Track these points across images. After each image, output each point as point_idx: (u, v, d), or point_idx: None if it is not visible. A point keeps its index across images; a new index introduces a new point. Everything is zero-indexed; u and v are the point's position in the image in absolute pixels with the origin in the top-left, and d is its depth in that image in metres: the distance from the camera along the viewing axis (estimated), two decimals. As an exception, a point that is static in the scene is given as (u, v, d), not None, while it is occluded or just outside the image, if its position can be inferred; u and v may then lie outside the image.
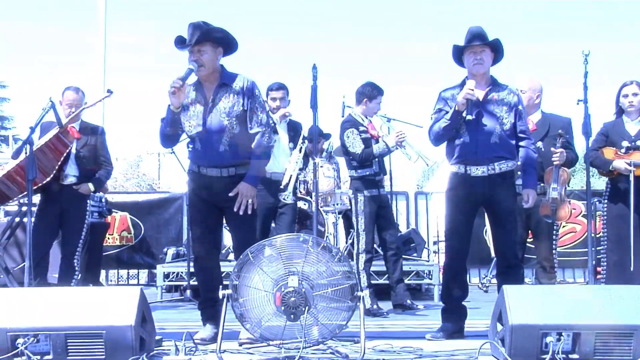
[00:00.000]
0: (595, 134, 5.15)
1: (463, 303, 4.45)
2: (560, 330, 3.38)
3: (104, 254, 7.53)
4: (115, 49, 19.60)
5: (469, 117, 4.19)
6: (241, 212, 4.07)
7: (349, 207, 6.04)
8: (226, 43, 4.16)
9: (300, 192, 6.36)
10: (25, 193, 4.64)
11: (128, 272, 8.80)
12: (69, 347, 3.44)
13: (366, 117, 5.75)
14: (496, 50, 4.34)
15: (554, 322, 3.40)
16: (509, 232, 4.36)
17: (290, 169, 5.56)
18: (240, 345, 3.92)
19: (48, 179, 5.15)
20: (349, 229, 6.74)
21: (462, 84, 4.33)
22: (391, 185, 7.09)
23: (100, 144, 5.55)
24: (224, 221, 4.35)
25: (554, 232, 5.14)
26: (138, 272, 9.15)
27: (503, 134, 4.29)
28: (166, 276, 6.97)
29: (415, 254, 7.45)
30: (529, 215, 4.98)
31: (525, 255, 5.24)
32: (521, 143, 4.39)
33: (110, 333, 3.43)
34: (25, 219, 5.28)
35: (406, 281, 6.26)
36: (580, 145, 5.10)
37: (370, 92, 5.73)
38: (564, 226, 7.18)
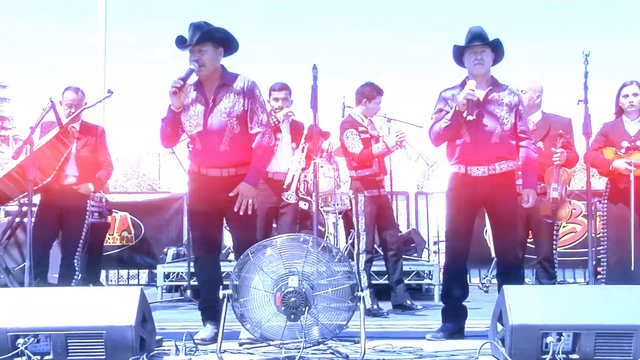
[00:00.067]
0: (595, 134, 5.15)
1: (463, 303, 4.45)
2: (560, 330, 3.38)
3: (105, 254, 7.53)
4: (115, 49, 19.58)
5: (470, 117, 4.19)
6: (241, 212, 4.07)
7: (349, 207, 6.04)
8: (227, 43, 4.16)
9: (301, 192, 6.36)
10: (26, 193, 4.65)
11: (128, 272, 8.79)
12: (69, 347, 3.44)
13: (366, 118, 5.74)
14: (497, 50, 4.34)
15: (554, 322, 3.41)
16: (510, 232, 4.36)
17: (292, 169, 5.56)
18: (241, 345, 3.92)
19: (48, 179, 5.15)
20: (349, 229, 6.74)
21: (463, 84, 4.33)
22: (391, 185, 7.07)
23: (100, 144, 5.55)
24: (224, 221, 4.35)
25: (555, 232, 5.14)
26: (138, 272, 9.13)
27: (503, 135, 4.29)
28: (166, 276, 6.96)
29: (415, 254, 7.45)
30: (530, 216, 4.98)
31: (526, 256, 5.24)
32: (521, 143, 4.38)
33: (111, 333, 3.43)
34: (25, 219, 5.29)
35: (406, 281, 6.26)
36: (580, 146, 5.10)
37: (369, 93, 5.72)
38: (564, 226, 7.17)
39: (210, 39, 4.06)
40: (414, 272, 6.77)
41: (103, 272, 7.97)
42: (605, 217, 5.33)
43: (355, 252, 5.68)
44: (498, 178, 4.27)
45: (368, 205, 5.61)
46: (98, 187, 5.61)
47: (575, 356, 3.40)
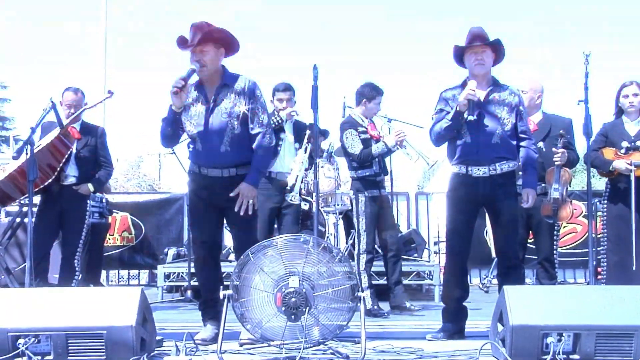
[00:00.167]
0: (595, 135, 5.15)
1: (464, 303, 4.44)
2: (561, 330, 3.38)
3: (105, 254, 7.54)
4: (115, 49, 19.62)
5: (470, 117, 4.19)
6: (242, 213, 4.07)
7: (350, 208, 6.04)
8: (228, 44, 4.16)
9: (302, 192, 6.36)
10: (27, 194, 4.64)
11: (129, 273, 8.81)
12: (69, 348, 3.44)
13: (366, 118, 5.74)
14: (497, 50, 4.34)
15: (555, 322, 3.40)
16: (510, 232, 4.36)
17: (295, 169, 5.56)
18: (241, 345, 3.92)
19: (49, 180, 5.15)
20: (350, 230, 6.74)
21: (463, 85, 4.33)
22: (392, 185, 7.07)
23: (100, 145, 5.55)
24: (225, 221, 4.36)
25: (555, 232, 5.14)
26: (139, 273, 9.16)
27: (504, 135, 4.29)
28: (167, 276, 6.97)
29: (415, 255, 7.45)
30: (530, 216, 4.98)
31: (526, 256, 5.23)
32: (522, 143, 4.38)
33: (111, 333, 3.43)
34: (26, 220, 5.29)
35: (407, 282, 6.26)
36: (581, 146, 5.10)
37: (369, 93, 5.72)
38: (564, 226, 7.17)
39: (212, 39, 4.06)
40: (415, 273, 6.77)
41: (103, 273, 7.97)
42: (605, 218, 5.33)
43: (355, 252, 5.68)
44: (499, 178, 4.27)
45: (368, 206, 5.61)
46: (98, 187, 5.61)
47: (576, 356, 3.40)
